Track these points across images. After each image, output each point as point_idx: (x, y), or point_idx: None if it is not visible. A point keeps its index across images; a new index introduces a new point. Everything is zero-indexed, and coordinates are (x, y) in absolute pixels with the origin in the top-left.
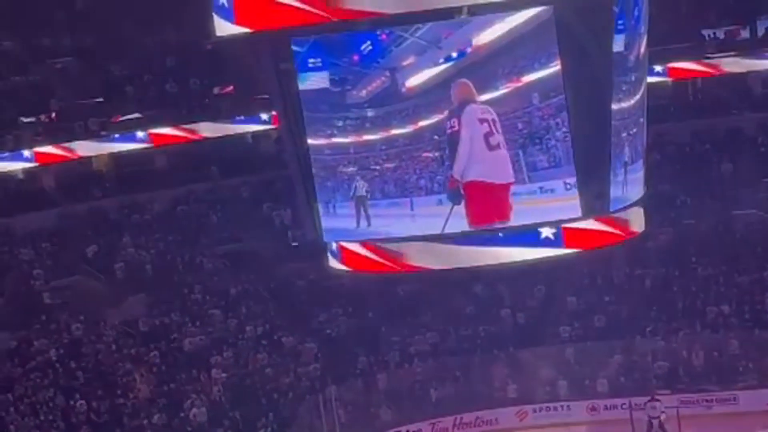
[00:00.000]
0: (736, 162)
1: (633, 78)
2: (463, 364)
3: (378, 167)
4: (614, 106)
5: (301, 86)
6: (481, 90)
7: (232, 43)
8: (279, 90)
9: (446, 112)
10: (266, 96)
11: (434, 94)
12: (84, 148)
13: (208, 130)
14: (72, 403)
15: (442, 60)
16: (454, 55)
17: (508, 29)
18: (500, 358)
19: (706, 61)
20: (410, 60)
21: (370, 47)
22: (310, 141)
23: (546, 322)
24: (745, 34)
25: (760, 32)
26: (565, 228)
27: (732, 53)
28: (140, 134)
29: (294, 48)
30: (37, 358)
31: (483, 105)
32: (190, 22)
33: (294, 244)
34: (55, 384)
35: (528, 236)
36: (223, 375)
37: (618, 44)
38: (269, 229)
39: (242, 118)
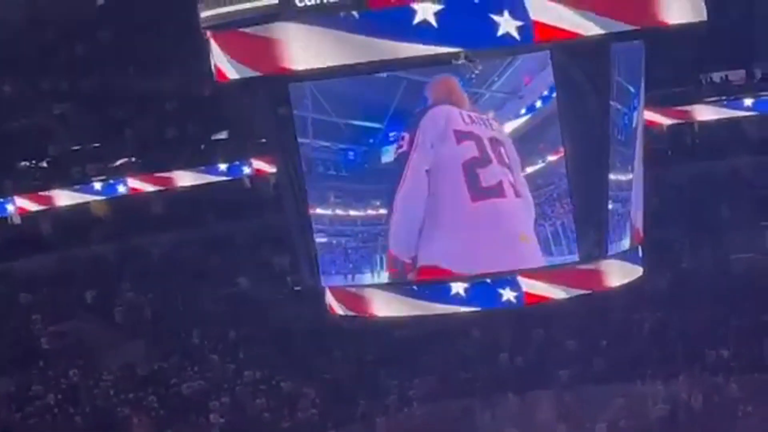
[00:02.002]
0: (734, 205)
1: (638, 146)
2: (463, 407)
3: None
4: (621, 177)
5: (385, 159)
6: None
7: (231, 88)
8: (276, 135)
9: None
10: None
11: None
12: (64, 197)
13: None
14: None
15: (524, 111)
16: (539, 104)
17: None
18: (500, 402)
19: (675, 109)
20: (490, 114)
21: (420, 109)
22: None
23: (545, 365)
24: (741, 77)
25: (757, 76)
26: (527, 293)
27: (728, 98)
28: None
29: (374, 125)
30: (35, 402)
31: (477, 113)
32: (189, 67)
33: (294, 288)
34: (53, 429)
35: (490, 298)
36: (222, 420)
37: (634, 120)
38: (268, 273)
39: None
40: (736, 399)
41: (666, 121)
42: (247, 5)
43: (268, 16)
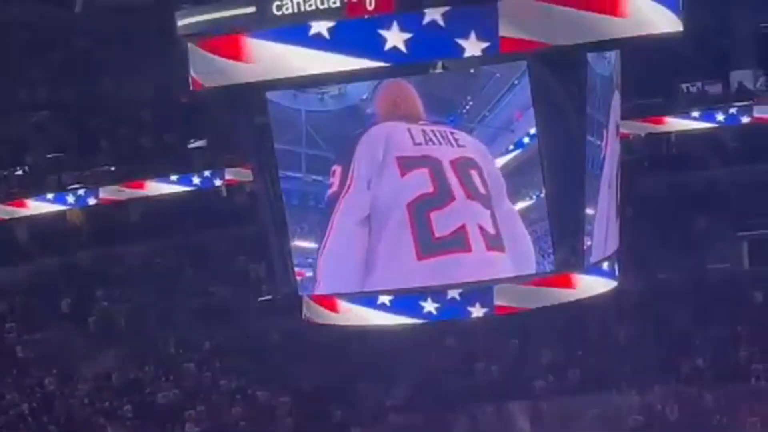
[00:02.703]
0: (710, 216)
1: (609, 176)
2: (438, 417)
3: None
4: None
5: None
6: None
7: (208, 96)
8: (253, 143)
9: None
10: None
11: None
12: (35, 207)
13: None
14: None
15: (512, 147)
16: (527, 141)
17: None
18: (475, 412)
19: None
20: (482, 149)
21: (360, 131)
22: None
23: (520, 375)
24: (717, 89)
25: (733, 87)
26: (498, 306)
27: (705, 108)
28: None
29: (327, 154)
30: (9, 412)
31: (439, 127)
32: (166, 76)
33: (269, 297)
34: None
35: (460, 312)
36: (197, 429)
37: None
38: (244, 282)
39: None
40: (711, 409)
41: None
42: (225, 13)
43: (246, 23)
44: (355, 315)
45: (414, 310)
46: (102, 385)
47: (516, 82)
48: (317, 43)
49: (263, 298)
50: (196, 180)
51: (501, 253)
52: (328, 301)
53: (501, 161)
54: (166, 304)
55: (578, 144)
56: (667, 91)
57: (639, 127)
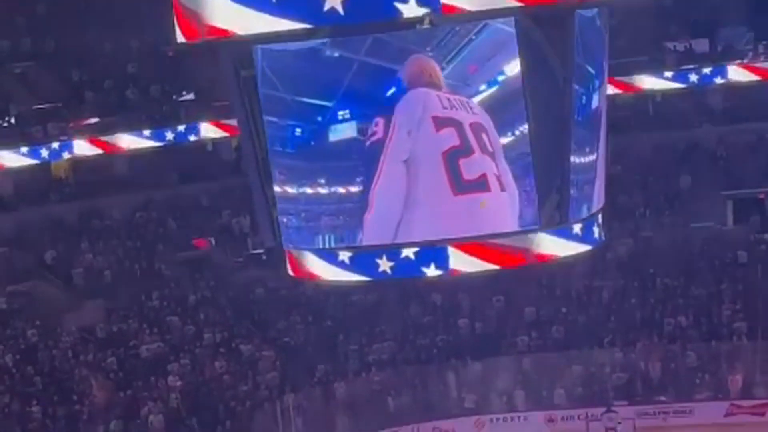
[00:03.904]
0: (696, 175)
1: (601, 127)
2: (421, 373)
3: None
4: (582, 159)
5: (333, 137)
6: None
7: (194, 49)
8: (239, 97)
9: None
10: (226, 102)
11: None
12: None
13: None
14: (28, 409)
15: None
16: (483, 88)
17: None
18: (458, 368)
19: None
20: None
21: (395, 93)
22: (346, 189)
23: (504, 332)
24: (704, 47)
25: (720, 46)
26: (454, 270)
27: (692, 66)
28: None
29: (324, 103)
30: None
31: (456, 95)
32: (152, 29)
33: (254, 251)
34: (11, 390)
35: (414, 271)
36: (181, 382)
37: (594, 101)
38: (228, 236)
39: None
40: (694, 367)
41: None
42: None
43: None
44: (316, 270)
45: (370, 267)
46: (86, 338)
47: (473, 37)
48: (264, 5)
49: (248, 252)
50: (169, 135)
51: (508, 198)
52: (295, 256)
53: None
54: (150, 258)
55: (565, 94)
56: (653, 49)
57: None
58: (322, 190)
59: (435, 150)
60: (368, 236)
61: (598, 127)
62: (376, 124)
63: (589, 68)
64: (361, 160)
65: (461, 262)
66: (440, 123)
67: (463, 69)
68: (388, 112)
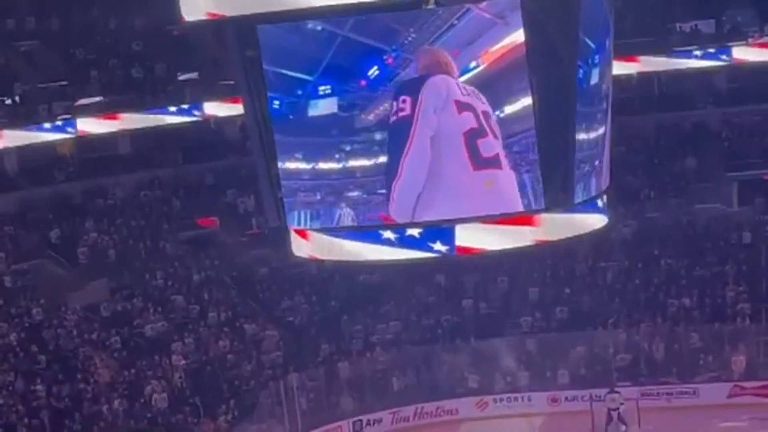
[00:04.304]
0: (700, 156)
1: (604, 106)
2: (425, 353)
3: (384, 191)
4: (585, 135)
5: (312, 113)
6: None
7: (199, 28)
8: (244, 76)
9: (393, 89)
10: (231, 82)
11: None
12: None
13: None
14: (32, 387)
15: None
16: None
17: (516, 45)
18: (462, 348)
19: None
20: None
21: (377, 72)
22: (322, 165)
23: (508, 313)
24: (710, 28)
25: (726, 27)
26: (459, 247)
27: (696, 47)
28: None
29: (304, 76)
30: None
31: (467, 85)
32: (157, 7)
33: (258, 230)
34: (15, 368)
35: (421, 245)
36: (185, 361)
37: (594, 77)
38: (233, 215)
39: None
40: (697, 348)
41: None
42: None
43: None
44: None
45: (376, 236)
46: (90, 317)
47: (456, 22)
48: None
49: (251, 231)
50: (174, 114)
51: (515, 177)
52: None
53: None
54: (154, 237)
55: (569, 72)
56: (659, 30)
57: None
58: (301, 165)
59: (457, 130)
60: (395, 205)
61: (598, 104)
62: (404, 102)
63: (589, 42)
64: (388, 142)
65: (467, 238)
66: (461, 107)
67: (448, 52)
68: (413, 93)
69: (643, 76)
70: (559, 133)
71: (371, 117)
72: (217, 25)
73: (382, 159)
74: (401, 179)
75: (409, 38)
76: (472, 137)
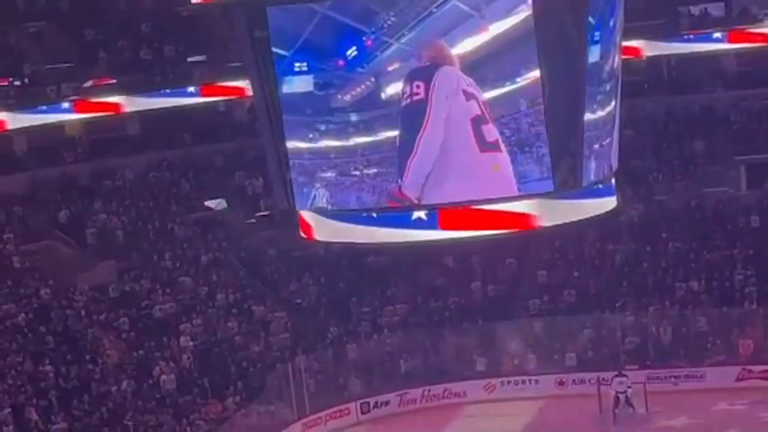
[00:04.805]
0: (709, 140)
1: (608, 87)
2: (433, 336)
3: (358, 173)
4: (588, 116)
5: (286, 89)
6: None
7: (208, 10)
8: (253, 58)
9: (405, 74)
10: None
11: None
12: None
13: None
14: (40, 368)
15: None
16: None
17: (494, 36)
18: (470, 331)
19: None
20: (395, 66)
21: (356, 53)
22: (293, 144)
23: (516, 295)
24: (720, 11)
25: (735, 10)
26: (441, 210)
27: (707, 30)
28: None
29: (280, 51)
30: (5, 322)
31: (468, 77)
32: None
33: (266, 213)
34: (23, 348)
35: (402, 218)
36: (192, 342)
37: (593, 55)
38: (241, 197)
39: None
40: (705, 332)
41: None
42: None
43: None
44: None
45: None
46: (98, 298)
47: (434, 10)
48: None
49: (260, 213)
50: (183, 95)
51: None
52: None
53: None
54: (163, 218)
55: (578, 56)
56: (668, 13)
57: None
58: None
59: (465, 115)
60: (408, 181)
61: (599, 84)
62: (417, 86)
63: (590, 18)
64: (401, 121)
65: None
66: (467, 95)
67: (423, 38)
68: (426, 79)
69: (652, 59)
70: (567, 113)
71: (347, 98)
72: (226, 7)
73: (358, 140)
74: (416, 156)
75: (389, 22)
76: (477, 123)
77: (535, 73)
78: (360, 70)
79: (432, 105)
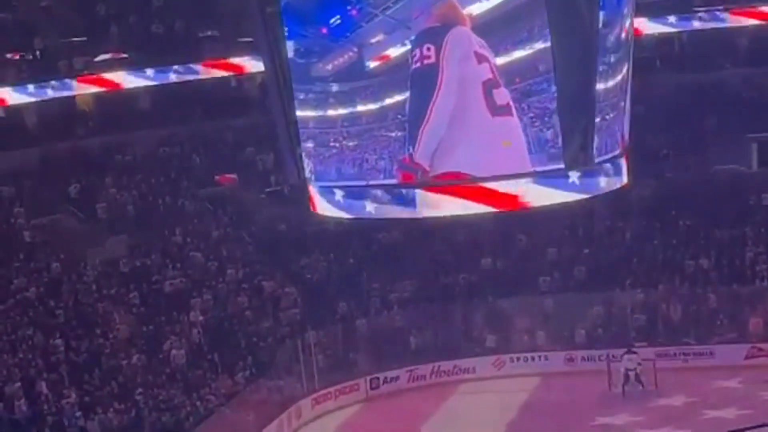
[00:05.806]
0: (720, 117)
1: (612, 59)
2: (443, 312)
3: (337, 145)
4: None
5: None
6: None
7: None
8: (264, 34)
9: (411, 37)
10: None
11: (400, 73)
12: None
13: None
14: (51, 341)
15: (409, 40)
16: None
17: (488, 8)
18: (479, 307)
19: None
20: (379, 37)
21: (339, 21)
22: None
23: (526, 272)
24: None
25: None
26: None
27: (720, 7)
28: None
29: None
30: (16, 296)
31: (479, 38)
32: None
33: (277, 188)
34: (34, 322)
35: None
36: (203, 317)
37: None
38: (252, 172)
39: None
40: (715, 310)
41: None
42: None
43: None
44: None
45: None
46: (109, 272)
47: None
48: None
49: (270, 189)
50: (172, 76)
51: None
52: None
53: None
54: (174, 193)
55: (590, 29)
56: None
57: None
58: None
59: (477, 78)
60: (421, 149)
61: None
62: (428, 49)
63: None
64: (411, 87)
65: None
66: (479, 57)
67: (407, 12)
68: (436, 37)
69: (663, 35)
70: (577, 88)
71: (329, 67)
72: None
73: (340, 111)
74: (429, 123)
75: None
76: (488, 86)
77: (546, 44)
78: (343, 39)
79: (444, 69)
